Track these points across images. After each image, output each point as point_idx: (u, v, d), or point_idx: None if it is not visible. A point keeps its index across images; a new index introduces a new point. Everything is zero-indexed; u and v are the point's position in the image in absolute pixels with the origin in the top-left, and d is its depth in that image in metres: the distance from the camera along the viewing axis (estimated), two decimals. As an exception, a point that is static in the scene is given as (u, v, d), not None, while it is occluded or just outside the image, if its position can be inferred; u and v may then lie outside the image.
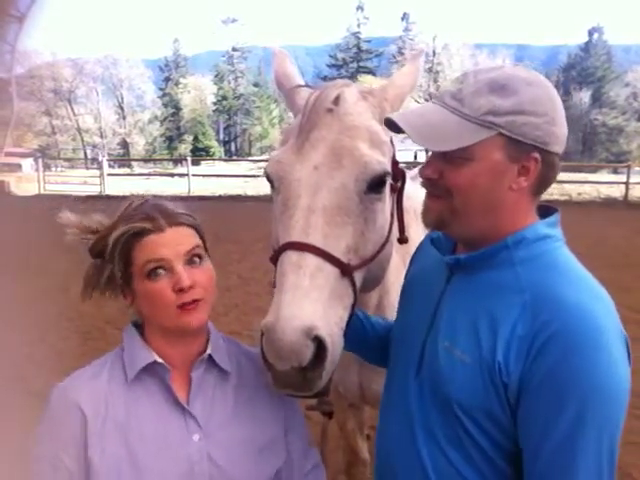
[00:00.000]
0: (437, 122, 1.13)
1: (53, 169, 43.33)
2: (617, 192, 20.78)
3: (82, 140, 57.09)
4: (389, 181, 1.46)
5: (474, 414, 1.11)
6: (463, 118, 1.11)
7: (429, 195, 1.21)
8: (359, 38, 66.07)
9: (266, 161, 1.45)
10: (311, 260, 1.24)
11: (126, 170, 38.73)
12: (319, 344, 1.17)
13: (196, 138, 62.58)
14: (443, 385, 1.15)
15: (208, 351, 1.33)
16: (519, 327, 1.05)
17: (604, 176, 31.89)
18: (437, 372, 1.17)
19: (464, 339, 1.14)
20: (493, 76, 1.11)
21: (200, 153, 58.37)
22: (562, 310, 1.02)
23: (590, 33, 64.48)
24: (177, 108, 65.56)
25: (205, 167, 38.23)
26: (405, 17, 59.80)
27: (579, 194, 20.88)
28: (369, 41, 68.01)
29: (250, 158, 49.93)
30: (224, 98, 67.38)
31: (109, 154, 53.15)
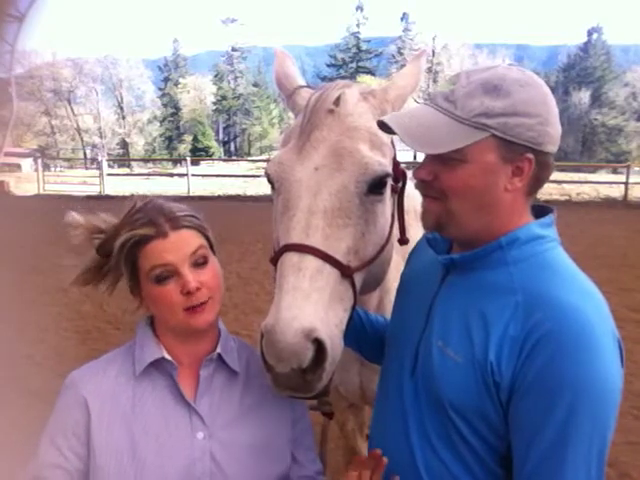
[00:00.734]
0: (430, 124, 1.12)
1: (52, 169, 43.31)
2: (616, 192, 20.78)
3: (82, 140, 57.06)
4: (390, 182, 1.46)
5: (466, 414, 1.11)
6: (456, 120, 1.10)
7: (425, 197, 1.21)
8: (358, 38, 66.02)
9: (266, 161, 1.45)
10: (311, 262, 1.24)
11: (125, 170, 38.71)
12: (319, 346, 1.17)
13: (195, 138, 62.53)
14: (436, 385, 1.15)
15: (218, 350, 1.34)
16: (511, 327, 1.05)
17: (603, 176, 31.93)
18: (430, 372, 1.18)
19: (457, 339, 1.14)
20: (486, 77, 1.11)
21: (199, 153, 58.35)
22: (554, 311, 1.02)
23: (589, 33, 64.47)
24: (176, 108, 65.55)
25: (204, 167, 38.20)
26: (404, 17, 59.78)
27: (578, 194, 20.89)
28: (368, 41, 67.97)
29: (250, 158, 49.98)
30: (224, 98, 67.33)
31: (108, 154, 53.18)
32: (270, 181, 1.44)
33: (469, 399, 1.10)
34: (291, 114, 1.63)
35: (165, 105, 66.51)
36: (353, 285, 1.33)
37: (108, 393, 1.26)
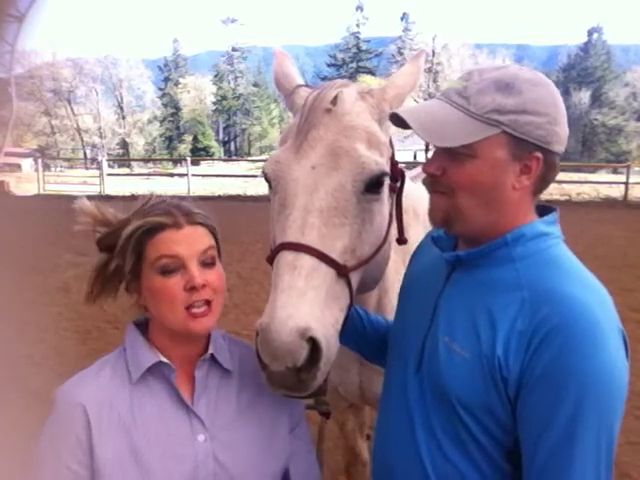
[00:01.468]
0: (443, 118, 1.14)
1: (52, 169, 43.31)
2: (616, 192, 20.78)
3: (82, 140, 57.04)
4: (387, 182, 1.46)
5: (474, 410, 1.12)
6: (469, 115, 1.12)
7: (433, 192, 1.21)
8: (358, 38, 66.02)
9: (266, 161, 1.45)
10: (307, 260, 1.24)
11: (126, 170, 38.71)
12: (314, 345, 1.17)
13: (195, 138, 62.57)
14: (443, 381, 1.16)
15: (210, 351, 1.33)
16: (518, 322, 1.06)
17: (603, 176, 31.93)
18: (437, 368, 1.18)
19: (463, 334, 1.15)
20: (498, 75, 1.13)
21: (200, 153, 58.39)
22: (561, 305, 1.03)
23: (590, 33, 64.49)
24: (177, 108, 65.56)
25: (205, 167, 38.20)
26: (404, 17, 59.73)
27: (578, 194, 20.88)
28: (368, 41, 67.97)
29: (250, 158, 50.00)
30: (224, 98, 67.35)
31: (108, 154, 53.18)
32: (267, 180, 1.44)
33: (476, 394, 1.10)
34: (291, 114, 1.63)
35: (165, 105, 66.53)
36: (349, 284, 1.33)
37: (104, 400, 1.22)
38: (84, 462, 1.18)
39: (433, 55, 51.20)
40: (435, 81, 50.82)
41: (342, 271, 1.30)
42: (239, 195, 20.70)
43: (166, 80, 68.66)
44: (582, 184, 22.17)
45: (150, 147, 63.76)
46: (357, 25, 65.88)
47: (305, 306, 1.18)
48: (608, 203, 18.97)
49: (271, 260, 1.33)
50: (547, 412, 1.02)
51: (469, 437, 1.13)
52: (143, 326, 1.36)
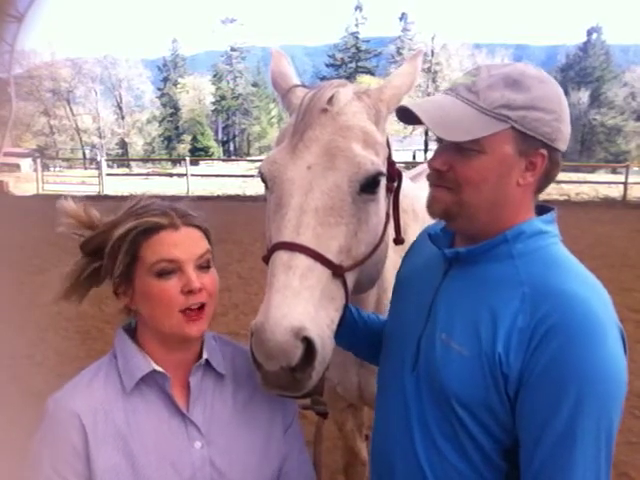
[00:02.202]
0: (452, 113, 1.14)
1: (52, 169, 43.26)
2: (616, 192, 20.80)
3: (81, 140, 56.98)
4: (384, 182, 1.46)
5: (472, 408, 1.12)
6: (478, 110, 1.13)
7: (436, 186, 1.21)
8: (357, 38, 65.97)
9: (262, 161, 1.45)
10: (302, 260, 1.24)
11: (125, 170, 38.70)
12: (308, 345, 1.17)
13: (195, 138, 62.53)
14: (440, 378, 1.16)
15: (205, 356, 1.32)
16: (519, 319, 1.06)
17: (602, 176, 31.94)
18: (434, 365, 1.18)
19: (462, 331, 1.15)
20: (507, 71, 1.14)
21: (199, 153, 58.37)
22: (562, 302, 1.04)
23: (589, 33, 64.50)
24: (176, 108, 65.49)
25: (204, 167, 38.21)
26: (403, 17, 59.69)
27: (577, 194, 20.90)
28: (368, 41, 67.91)
29: (249, 158, 49.93)
30: (223, 98, 67.29)
31: (108, 154, 53.09)
32: (264, 180, 1.44)
33: (475, 392, 1.10)
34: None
35: (164, 105, 66.44)
36: (345, 284, 1.33)
37: (99, 409, 1.20)
38: (80, 472, 1.16)
39: (432, 55, 51.18)
40: (434, 81, 50.78)
41: (338, 271, 1.30)
42: (238, 195, 20.70)
43: (165, 80, 68.60)
44: (581, 184, 22.18)
45: (149, 147, 63.67)
46: (356, 25, 65.82)
47: (300, 306, 1.18)
48: (607, 203, 18.99)
49: (267, 260, 1.33)
50: (548, 410, 1.02)
51: (466, 435, 1.13)
52: (131, 331, 1.33)
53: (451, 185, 1.17)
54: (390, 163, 1.52)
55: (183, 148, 61.25)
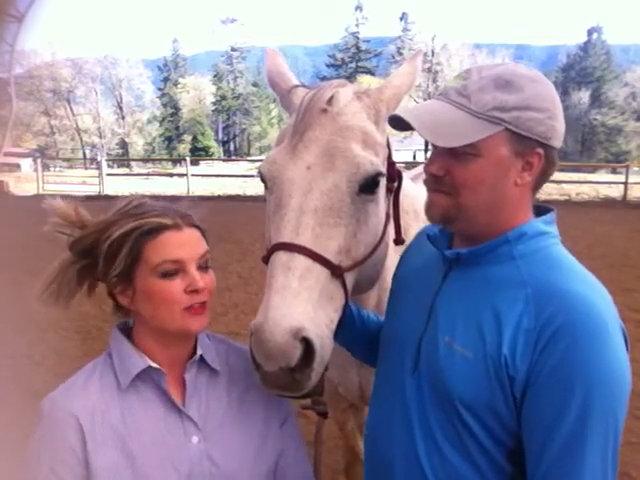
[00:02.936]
0: (445, 118, 1.14)
1: (52, 169, 43.24)
2: (616, 192, 20.78)
3: (81, 140, 56.98)
4: (383, 182, 1.46)
5: (477, 410, 1.11)
6: (470, 114, 1.12)
7: (433, 190, 1.21)
8: (358, 38, 65.98)
9: (262, 161, 1.45)
10: (301, 261, 1.25)
11: (125, 170, 38.72)
12: (307, 345, 1.17)
13: (195, 138, 62.51)
14: (444, 381, 1.15)
15: (199, 352, 1.33)
16: (524, 320, 1.06)
17: (603, 176, 31.91)
18: (437, 368, 1.17)
19: (464, 333, 1.14)
20: (497, 72, 1.14)
21: (199, 153, 58.33)
22: (565, 303, 1.04)
23: (589, 33, 64.45)
24: (176, 108, 65.48)
25: (204, 167, 38.17)
26: (404, 17, 59.68)
27: (578, 194, 20.89)
28: (368, 41, 67.91)
29: (249, 158, 49.94)
30: (223, 98, 67.27)
31: (108, 154, 53.08)
32: (263, 180, 1.44)
33: (480, 394, 1.10)
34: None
35: (164, 105, 66.44)
36: (344, 285, 1.33)
37: (95, 409, 1.20)
38: (79, 473, 1.16)
39: (432, 55, 51.18)
40: (435, 81, 50.79)
41: (337, 271, 1.30)
42: (238, 195, 20.69)
43: (165, 80, 68.57)
44: (581, 184, 22.18)
45: (149, 147, 63.68)
46: (356, 25, 65.84)
47: (299, 306, 1.18)
48: (607, 203, 18.96)
49: (266, 260, 1.33)
50: (555, 411, 1.02)
51: (470, 438, 1.13)
52: (126, 330, 1.34)
53: (448, 189, 1.17)
54: (390, 163, 1.52)
55: (183, 148, 61.26)
